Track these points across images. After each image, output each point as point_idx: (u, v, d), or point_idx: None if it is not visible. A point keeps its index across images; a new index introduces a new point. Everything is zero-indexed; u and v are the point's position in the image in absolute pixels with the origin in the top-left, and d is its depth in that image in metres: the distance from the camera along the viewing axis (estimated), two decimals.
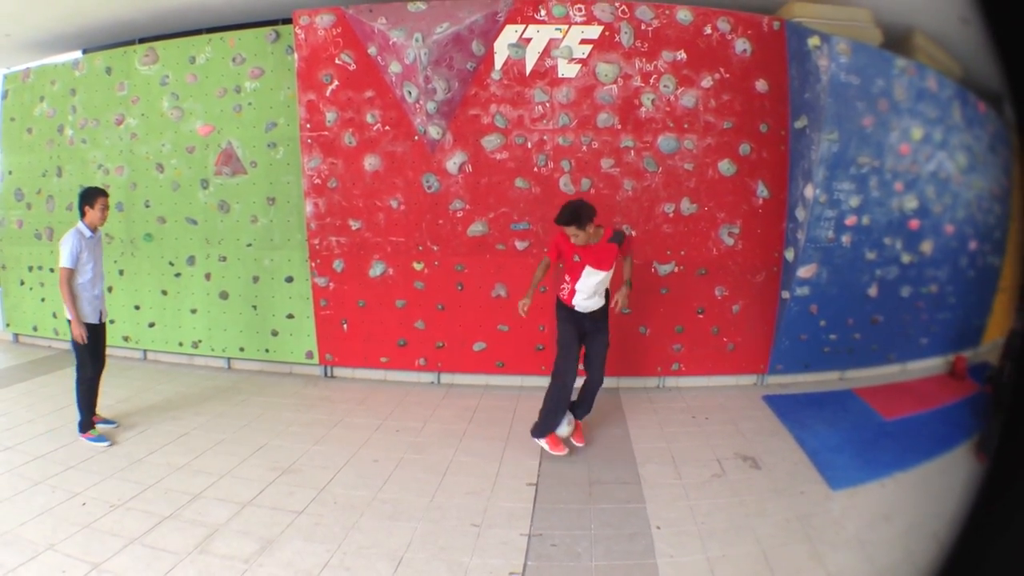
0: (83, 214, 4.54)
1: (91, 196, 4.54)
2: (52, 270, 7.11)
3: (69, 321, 4.46)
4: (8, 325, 7.65)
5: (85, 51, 7.22)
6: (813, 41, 5.29)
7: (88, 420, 4.54)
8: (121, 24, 6.56)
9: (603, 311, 4.28)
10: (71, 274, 4.43)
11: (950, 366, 6.01)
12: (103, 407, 4.90)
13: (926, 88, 5.68)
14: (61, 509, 3.48)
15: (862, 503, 3.70)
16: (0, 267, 7.63)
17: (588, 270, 4.10)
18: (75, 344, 4.50)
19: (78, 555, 3.02)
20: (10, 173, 7.36)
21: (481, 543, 3.19)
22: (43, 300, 7.27)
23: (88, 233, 4.54)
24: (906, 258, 5.90)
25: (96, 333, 4.60)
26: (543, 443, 4.29)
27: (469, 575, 2.93)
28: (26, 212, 7.26)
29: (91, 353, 4.54)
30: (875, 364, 6.10)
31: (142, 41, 6.67)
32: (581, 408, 4.45)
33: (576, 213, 3.91)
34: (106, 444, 4.44)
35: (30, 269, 7.32)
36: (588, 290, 4.14)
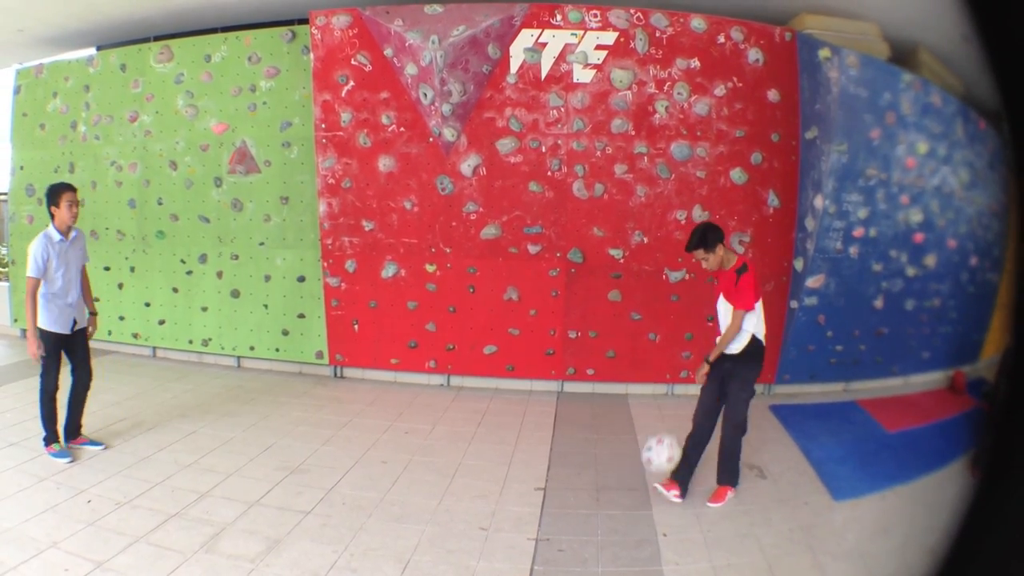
0: (52, 216, 3.96)
1: (55, 194, 3.94)
2: None
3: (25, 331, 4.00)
4: (16, 320, 7.44)
5: (99, 48, 7.09)
6: (824, 53, 5.22)
7: (52, 433, 4.04)
8: (136, 21, 6.44)
9: (743, 355, 3.61)
10: (37, 284, 3.90)
11: (950, 381, 5.91)
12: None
13: (931, 103, 5.63)
14: (66, 506, 3.36)
15: (863, 515, 3.64)
16: (10, 262, 7.44)
17: (720, 298, 3.65)
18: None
19: (82, 553, 2.89)
20: (22, 168, 7.19)
21: (489, 547, 3.09)
22: None
23: (57, 237, 3.95)
24: (911, 271, 5.79)
25: (70, 343, 4.09)
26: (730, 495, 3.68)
27: None
28: (37, 208, 7.07)
29: (56, 366, 4.03)
30: (879, 376, 5.99)
31: (157, 39, 6.54)
32: (719, 468, 3.72)
33: (702, 236, 3.50)
34: (67, 460, 3.93)
35: None
36: (721, 322, 3.65)
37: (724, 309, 3.64)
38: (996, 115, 5.57)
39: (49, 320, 3.97)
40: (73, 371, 4.17)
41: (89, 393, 4.23)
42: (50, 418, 4.05)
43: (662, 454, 3.62)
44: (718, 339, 3.60)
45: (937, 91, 5.62)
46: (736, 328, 3.51)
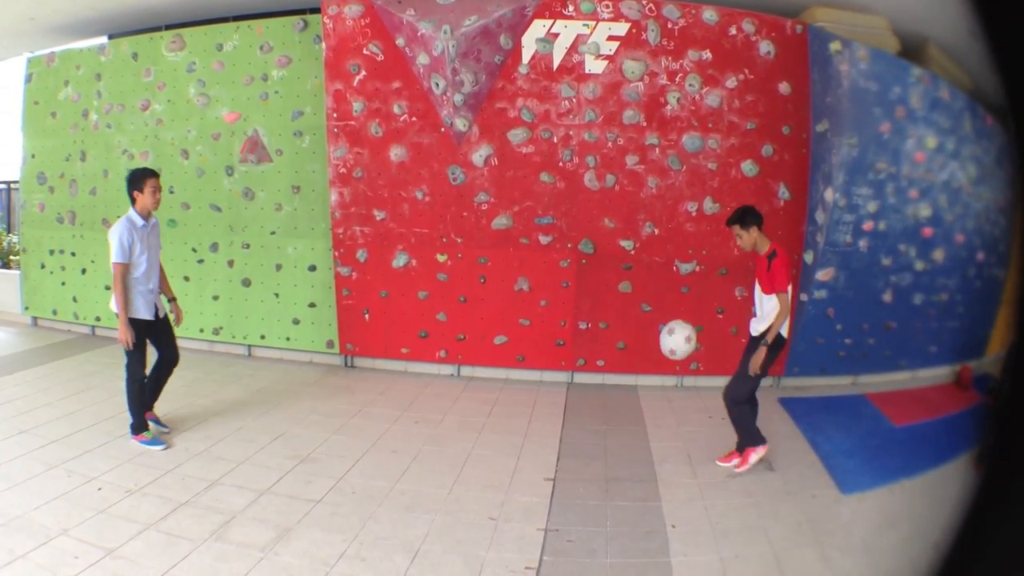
0: (133, 200, 3.90)
1: (139, 179, 3.89)
2: (74, 254, 6.85)
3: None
4: (27, 308, 7.33)
5: (111, 36, 6.97)
6: (834, 46, 5.13)
7: (141, 422, 4.00)
8: (148, 10, 6.33)
9: (756, 340, 3.77)
10: (125, 269, 3.82)
11: (956, 375, 5.80)
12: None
13: (939, 98, 5.54)
14: (76, 494, 3.30)
15: (870, 508, 3.65)
16: (20, 250, 7.32)
17: (756, 283, 3.82)
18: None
19: (92, 540, 2.84)
20: (33, 157, 7.06)
21: (498, 537, 3.04)
22: (63, 284, 6.98)
23: (140, 221, 3.90)
24: (919, 265, 5.68)
25: (154, 329, 4.03)
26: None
27: (485, 569, 2.77)
28: (48, 196, 6.97)
29: (142, 352, 3.96)
30: (887, 370, 5.88)
31: (169, 28, 6.43)
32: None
33: (741, 214, 3.72)
34: (161, 447, 3.90)
35: (51, 253, 7.02)
36: (755, 305, 3.82)
37: (759, 293, 3.78)
38: (1002, 111, 5.46)
39: (134, 307, 3.90)
40: (161, 354, 4.15)
41: (175, 369, 4.24)
42: (138, 407, 4.00)
43: (679, 339, 3.85)
44: (773, 321, 3.66)
45: (945, 86, 5.52)
46: (786, 311, 3.63)
